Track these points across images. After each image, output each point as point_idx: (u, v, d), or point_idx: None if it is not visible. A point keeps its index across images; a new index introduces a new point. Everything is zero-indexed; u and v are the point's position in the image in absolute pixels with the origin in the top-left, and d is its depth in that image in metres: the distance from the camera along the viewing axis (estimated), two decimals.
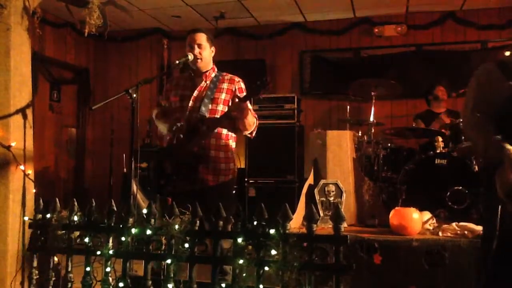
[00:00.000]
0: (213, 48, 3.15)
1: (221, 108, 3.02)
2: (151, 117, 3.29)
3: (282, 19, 6.48)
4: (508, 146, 1.97)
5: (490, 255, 2.06)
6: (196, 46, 3.04)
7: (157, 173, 3.02)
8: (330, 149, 3.70)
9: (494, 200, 2.04)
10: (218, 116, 3.00)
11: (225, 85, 3.08)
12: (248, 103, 2.93)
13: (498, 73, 2.13)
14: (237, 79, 3.14)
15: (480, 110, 2.13)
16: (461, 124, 2.64)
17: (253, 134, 3.11)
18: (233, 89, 3.08)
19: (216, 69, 3.17)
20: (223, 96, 3.05)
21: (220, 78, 3.12)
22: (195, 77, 3.13)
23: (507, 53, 2.28)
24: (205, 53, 3.07)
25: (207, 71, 3.12)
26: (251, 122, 2.99)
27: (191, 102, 3.04)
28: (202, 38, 3.07)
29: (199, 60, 3.05)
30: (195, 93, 3.07)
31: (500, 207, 2.01)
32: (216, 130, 3.00)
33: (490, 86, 2.13)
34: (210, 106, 3.01)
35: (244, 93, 3.06)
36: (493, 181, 2.02)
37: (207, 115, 2.99)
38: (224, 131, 3.05)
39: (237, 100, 2.93)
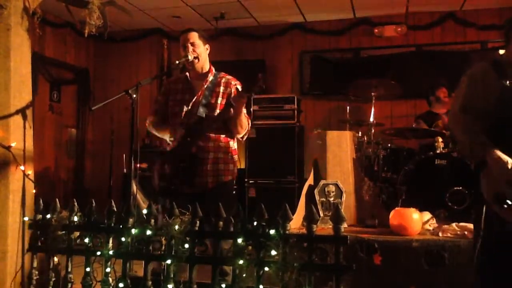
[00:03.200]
0: (207, 46, 3.12)
1: (217, 114, 3.00)
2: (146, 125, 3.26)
3: (282, 19, 6.48)
4: (494, 149, 1.98)
5: (476, 255, 2.07)
6: (189, 45, 3.02)
7: (159, 175, 3.01)
8: (330, 149, 3.70)
9: (480, 200, 2.05)
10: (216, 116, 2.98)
11: (221, 89, 3.05)
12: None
13: (491, 72, 2.13)
14: (233, 82, 3.09)
15: (469, 109, 2.14)
16: (448, 122, 2.65)
17: (244, 139, 3.09)
18: (229, 93, 3.04)
19: (214, 70, 3.13)
20: (219, 101, 3.02)
21: (217, 81, 3.08)
22: (194, 80, 3.11)
23: (502, 51, 2.27)
24: (199, 50, 3.05)
25: (206, 73, 3.09)
26: (244, 124, 2.96)
27: (189, 107, 3.02)
28: (194, 36, 3.04)
29: (196, 60, 3.04)
30: (194, 98, 3.04)
31: (484, 207, 2.02)
32: (214, 134, 2.99)
33: (483, 85, 2.14)
34: (206, 111, 2.98)
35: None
36: (480, 182, 2.03)
37: (205, 116, 2.97)
38: (223, 135, 3.03)
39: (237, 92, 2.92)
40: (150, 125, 3.20)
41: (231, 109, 2.89)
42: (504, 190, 1.94)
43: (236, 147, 3.14)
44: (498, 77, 2.08)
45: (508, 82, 2.05)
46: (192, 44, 3.03)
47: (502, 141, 2.00)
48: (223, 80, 3.08)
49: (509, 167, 1.94)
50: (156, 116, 3.20)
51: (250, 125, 3.05)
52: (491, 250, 2.03)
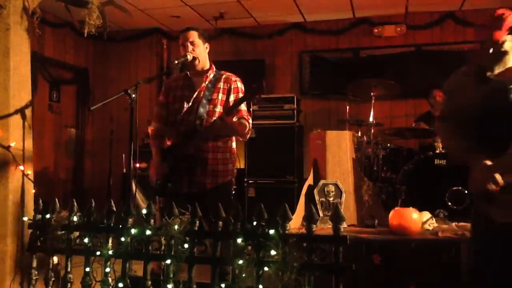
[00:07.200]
0: (207, 45, 3.12)
1: (219, 109, 3.00)
2: (147, 132, 3.28)
3: (282, 19, 6.48)
4: (476, 155, 1.97)
5: (469, 255, 2.06)
6: (188, 44, 3.02)
7: (157, 174, 3.01)
8: (330, 149, 3.70)
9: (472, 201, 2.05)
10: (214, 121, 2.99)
11: (221, 85, 3.06)
12: (242, 105, 2.99)
13: (472, 77, 2.12)
14: (233, 78, 3.10)
15: (450, 115, 2.14)
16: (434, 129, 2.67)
17: (247, 137, 3.12)
18: (229, 88, 3.05)
19: (214, 68, 3.14)
20: (220, 96, 3.03)
21: (218, 77, 3.09)
22: (194, 77, 3.11)
23: (491, 50, 2.24)
24: (198, 50, 3.05)
25: (206, 71, 3.09)
26: (235, 133, 3.04)
27: (190, 103, 3.03)
28: (194, 35, 3.04)
29: (196, 60, 3.04)
30: (195, 94, 3.05)
31: (473, 209, 2.03)
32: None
33: (464, 90, 2.13)
34: (207, 107, 2.99)
35: (240, 93, 3.04)
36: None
37: (205, 116, 2.97)
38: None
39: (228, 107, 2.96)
40: (151, 133, 3.21)
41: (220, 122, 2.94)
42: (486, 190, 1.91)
43: (234, 146, 3.15)
44: (480, 83, 2.07)
45: (489, 88, 2.03)
46: (192, 43, 3.03)
47: (484, 147, 1.98)
48: (223, 77, 3.10)
49: (489, 171, 1.91)
50: (159, 122, 3.18)
51: (249, 125, 3.05)
52: (479, 250, 2.03)
